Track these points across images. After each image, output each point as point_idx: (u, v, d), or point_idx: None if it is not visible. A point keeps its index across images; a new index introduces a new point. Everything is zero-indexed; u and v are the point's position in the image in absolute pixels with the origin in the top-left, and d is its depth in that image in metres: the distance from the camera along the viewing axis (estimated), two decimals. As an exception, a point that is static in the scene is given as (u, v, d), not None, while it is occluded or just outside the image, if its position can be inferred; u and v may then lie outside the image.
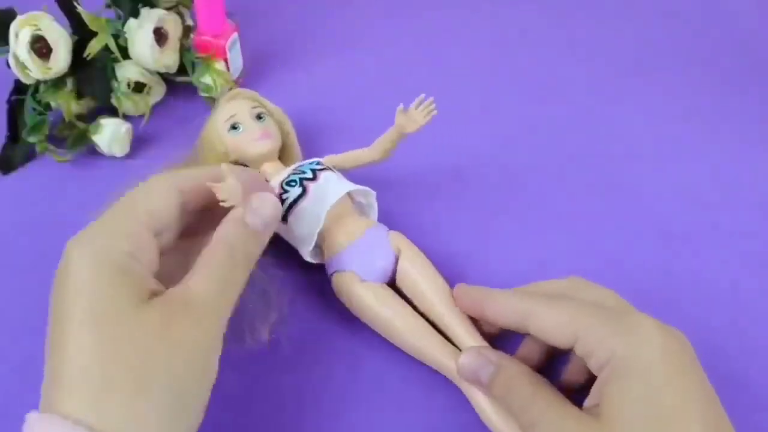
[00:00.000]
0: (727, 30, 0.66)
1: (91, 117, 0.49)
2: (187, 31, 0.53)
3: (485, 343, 0.33)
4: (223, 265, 0.25)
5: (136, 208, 0.24)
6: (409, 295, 0.36)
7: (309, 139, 0.50)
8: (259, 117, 0.42)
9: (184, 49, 0.53)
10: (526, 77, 0.59)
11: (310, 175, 0.38)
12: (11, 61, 0.46)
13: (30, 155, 0.49)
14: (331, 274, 0.37)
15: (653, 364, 0.23)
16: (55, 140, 0.48)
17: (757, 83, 0.59)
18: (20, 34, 0.45)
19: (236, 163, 0.42)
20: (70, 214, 0.42)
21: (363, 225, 0.37)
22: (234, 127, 0.41)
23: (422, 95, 0.39)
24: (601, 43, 0.64)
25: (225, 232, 0.27)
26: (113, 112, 0.50)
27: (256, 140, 0.40)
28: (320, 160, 0.41)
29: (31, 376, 0.35)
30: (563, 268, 0.41)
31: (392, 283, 0.37)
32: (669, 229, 0.44)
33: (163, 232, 0.26)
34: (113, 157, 0.48)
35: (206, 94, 0.52)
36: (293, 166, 0.40)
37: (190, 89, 0.54)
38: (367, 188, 0.39)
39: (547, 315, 0.27)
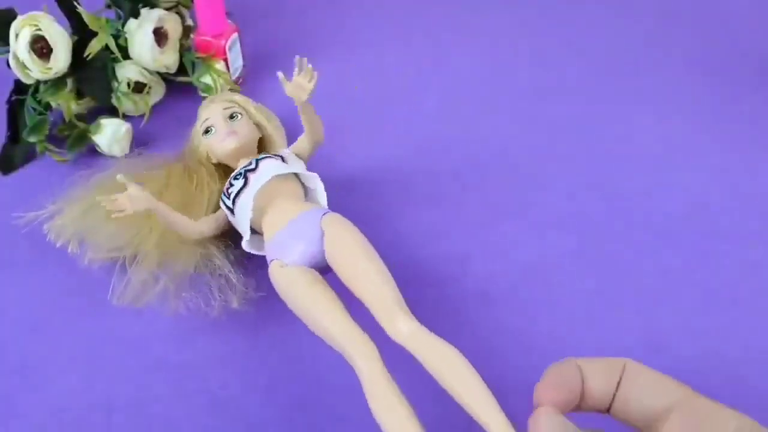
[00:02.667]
0: (729, 31, 0.66)
1: (91, 117, 0.49)
2: (187, 31, 0.53)
3: (413, 321, 0.30)
4: None
5: None
6: (340, 278, 0.34)
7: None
8: (231, 117, 0.42)
9: (183, 49, 0.53)
10: (528, 77, 0.59)
11: (253, 166, 0.39)
12: (11, 61, 0.46)
13: (30, 155, 0.48)
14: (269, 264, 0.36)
15: None
16: (55, 140, 0.48)
17: (758, 84, 0.58)
18: (20, 34, 0.45)
19: (217, 164, 0.44)
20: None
21: (294, 210, 0.36)
22: (207, 131, 0.42)
23: (297, 57, 0.38)
24: (602, 44, 0.64)
25: None
26: (113, 112, 0.50)
27: (223, 139, 0.41)
28: (279, 153, 0.41)
29: (31, 376, 0.35)
30: (563, 268, 0.41)
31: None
32: (669, 228, 0.44)
33: None
34: (113, 157, 0.48)
35: (206, 94, 0.52)
36: (249, 160, 0.40)
37: (190, 89, 0.54)
38: (307, 172, 0.39)
39: (597, 363, 0.23)
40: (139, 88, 0.52)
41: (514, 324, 0.38)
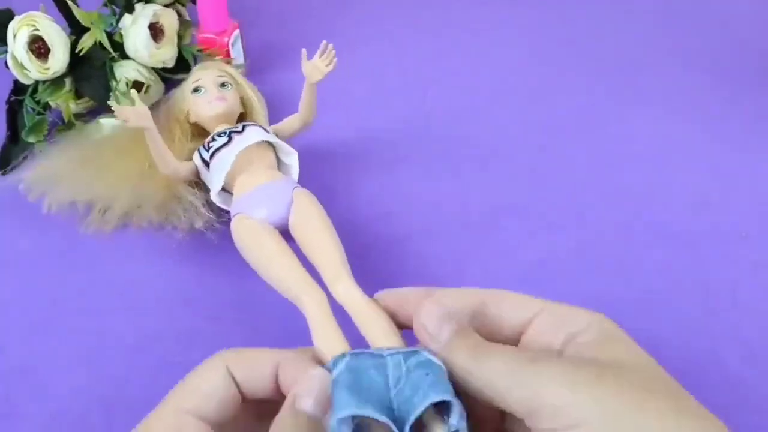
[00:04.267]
0: (729, 31, 0.66)
1: (90, 116, 0.49)
2: (185, 25, 0.53)
3: (361, 295, 0.31)
4: None
5: (182, 395, 0.24)
6: (298, 243, 0.36)
7: (309, 137, 0.50)
8: (222, 85, 0.44)
9: (182, 43, 0.53)
10: (527, 77, 0.58)
11: (239, 128, 0.41)
12: (9, 62, 0.46)
13: (30, 155, 0.48)
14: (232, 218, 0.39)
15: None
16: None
17: (758, 83, 0.58)
18: (18, 34, 0.45)
19: (195, 124, 0.45)
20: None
21: (269, 176, 0.39)
22: (196, 90, 0.44)
23: (324, 42, 0.41)
24: (603, 43, 0.63)
25: (278, 423, 0.22)
26: (113, 111, 0.50)
27: (210, 101, 0.43)
28: (262, 125, 0.43)
29: (31, 376, 0.36)
30: (563, 268, 0.41)
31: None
32: (669, 229, 0.44)
33: (218, 416, 0.23)
34: (112, 157, 0.48)
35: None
36: (228, 126, 0.42)
37: (189, 88, 0.54)
38: (288, 146, 0.42)
39: (509, 295, 0.24)
40: (137, 87, 0.51)
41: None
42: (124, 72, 0.50)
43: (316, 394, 0.22)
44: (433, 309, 0.23)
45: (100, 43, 0.48)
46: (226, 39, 0.53)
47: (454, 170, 0.48)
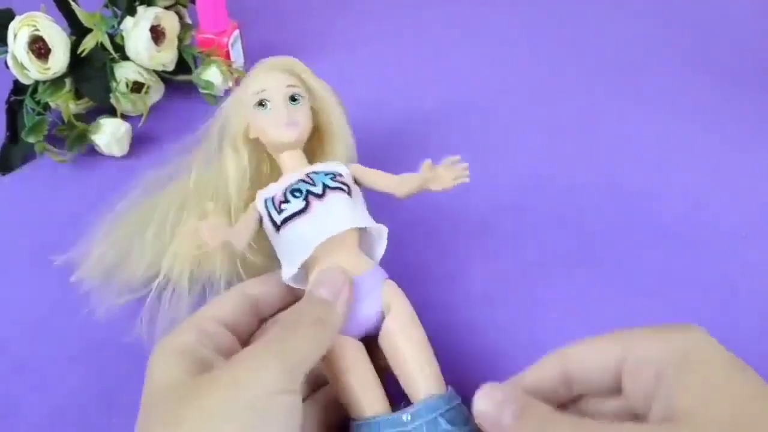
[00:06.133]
0: (729, 30, 0.66)
1: (90, 117, 0.49)
2: (185, 28, 0.53)
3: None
4: (281, 330, 0.26)
5: (203, 310, 0.30)
6: (387, 358, 0.30)
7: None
8: (293, 99, 0.35)
9: (183, 46, 0.53)
10: (527, 77, 0.58)
11: (319, 190, 0.32)
12: (10, 62, 0.46)
13: (29, 156, 0.49)
14: None
15: (715, 355, 0.23)
16: (55, 140, 0.48)
17: (759, 83, 0.58)
18: (19, 35, 0.45)
19: (255, 140, 0.36)
20: (70, 214, 0.43)
21: (354, 266, 0.31)
22: (261, 104, 0.34)
23: (454, 157, 0.34)
24: (602, 43, 0.63)
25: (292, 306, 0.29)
26: (113, 112, 0.50)
27: (280, 126, 0.34)
28: (340, 171, 0.35)
29: (30, 375, 0.36)
30: (563, 269, 0.41)
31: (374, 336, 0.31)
32: (669, 229, 0.44)
33: (235, 324, 0.30)
34: (113, 157, 0.48)
35: (206, 91, 0.52)
36: (308, 169, 0.34)
37: (190, 89, 0.54)
38: (380, 225, 0.33)
39: (586, 347, 0.25)
40: (138, 88, 0.52)
41: (514, 324, 0.38)
42: (125, 73, 0.50)
43: (331, 284, 0.28)
44: (491, 394, 0.23)
45: (102, 44, 0.48)
46: (225, 39, 0.53)
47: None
